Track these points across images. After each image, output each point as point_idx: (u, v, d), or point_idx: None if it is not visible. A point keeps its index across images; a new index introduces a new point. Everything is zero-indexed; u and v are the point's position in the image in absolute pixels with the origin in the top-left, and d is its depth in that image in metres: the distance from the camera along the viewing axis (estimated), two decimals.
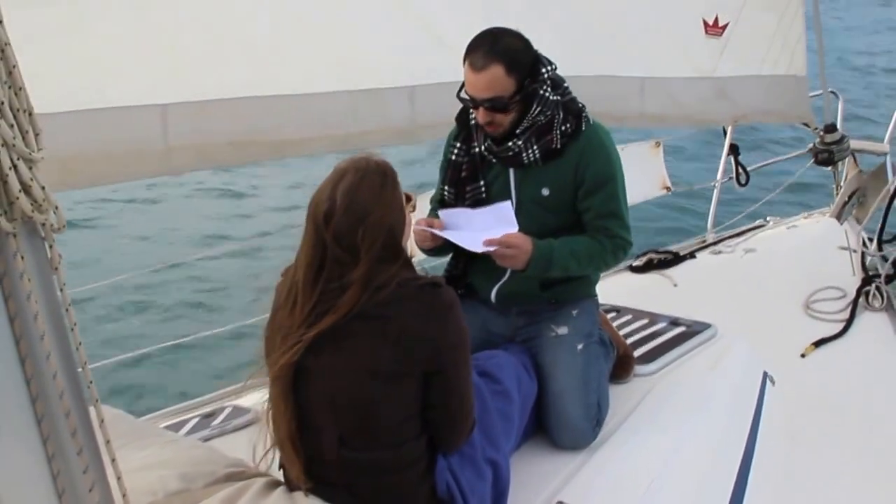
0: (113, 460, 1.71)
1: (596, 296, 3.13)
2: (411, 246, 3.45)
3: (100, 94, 3.20)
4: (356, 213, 2.04)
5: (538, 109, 2.72)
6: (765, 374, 3.44)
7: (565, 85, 2.84)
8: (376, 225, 2.05)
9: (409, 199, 2.23)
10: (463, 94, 2.76)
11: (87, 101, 3.14)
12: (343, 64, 3.82)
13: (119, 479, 1.75)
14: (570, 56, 3.23)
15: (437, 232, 2.76)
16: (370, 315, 2.02)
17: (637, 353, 3.37)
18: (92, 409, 1.47)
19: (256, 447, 2.16)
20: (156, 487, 2.10)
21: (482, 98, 2.69)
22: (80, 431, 1.42)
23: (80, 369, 1.39)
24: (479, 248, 2.68)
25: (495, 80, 2.65)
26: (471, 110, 2.84)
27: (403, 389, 2.08)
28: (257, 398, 2.98)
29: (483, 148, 2.86)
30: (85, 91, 3.16)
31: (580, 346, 2.86)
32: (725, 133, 5.89)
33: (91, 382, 1.63)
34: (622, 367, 3.18)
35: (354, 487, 2.11)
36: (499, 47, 2.65)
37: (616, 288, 4.52)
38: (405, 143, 4.25)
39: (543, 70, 2.73)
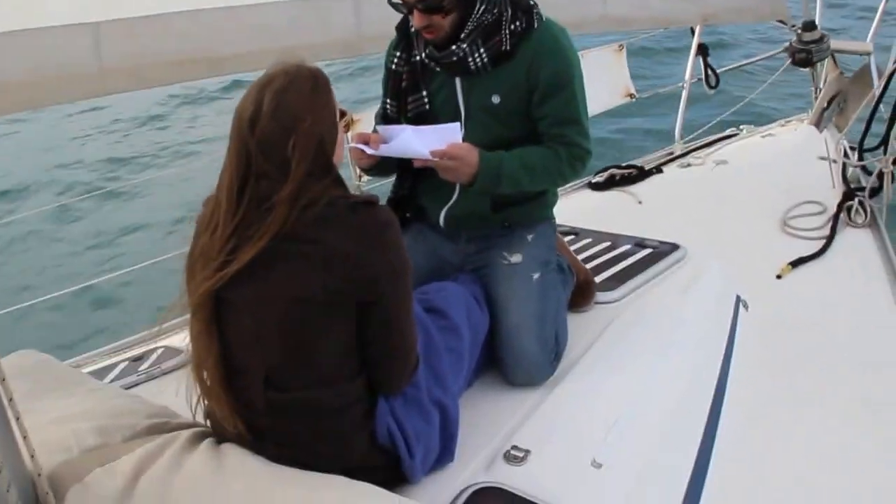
0: (17, 419, 1.67)
1: (553, 218, 3.10)
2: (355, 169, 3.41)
3: (26, 13, 3.14)
4: (285, 118, 1.98)
5: (482, 8, 2.65)
6: (738, 299, 3.45)
7: None
8: (308, 134, 1.99)
9: (342, 114, 2.16)
10: (396, 1, 2.68)
11: (13, 22, 3.09)
12: None
13: (25, 438, 1.71)
14: None
15: (370, 150, 2.67)
16: (297, 237, 1.97)
17: (599, 278, 3.36)
18: None
19: (184, 392, 2.13)
20: (70, 443, 2.05)
21: (415, 1, 2.61)
22: None
23: None
24: (419, 154, 2.60)
25: None
26: (409, 19, 2.76)
27: (336, 322, 2.03)
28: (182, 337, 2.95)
29: (424, 55, 2.79)
30: (12, 12, 3.10)
31: (536, 276, 2.83)
32: (693, 33, 5.85)
33: None
34: (582, 295, 3.17)
35: (285, 434, 2.08)
36: None
37: (575, 208, 4.50)
38: (349, 55, 4.20)
39: None
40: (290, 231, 1.96)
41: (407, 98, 2.86)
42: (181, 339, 3.15)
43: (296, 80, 2.02)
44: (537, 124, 2.80)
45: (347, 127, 2.21)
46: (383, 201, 2.98)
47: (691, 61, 5.88)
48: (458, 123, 2.68)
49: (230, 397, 2.06)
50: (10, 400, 1.53)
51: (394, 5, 2.70)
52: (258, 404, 2.06)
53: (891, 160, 4.54)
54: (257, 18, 3.73)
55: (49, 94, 3.31)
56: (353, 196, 2.07)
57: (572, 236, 3.93)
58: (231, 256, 1.98)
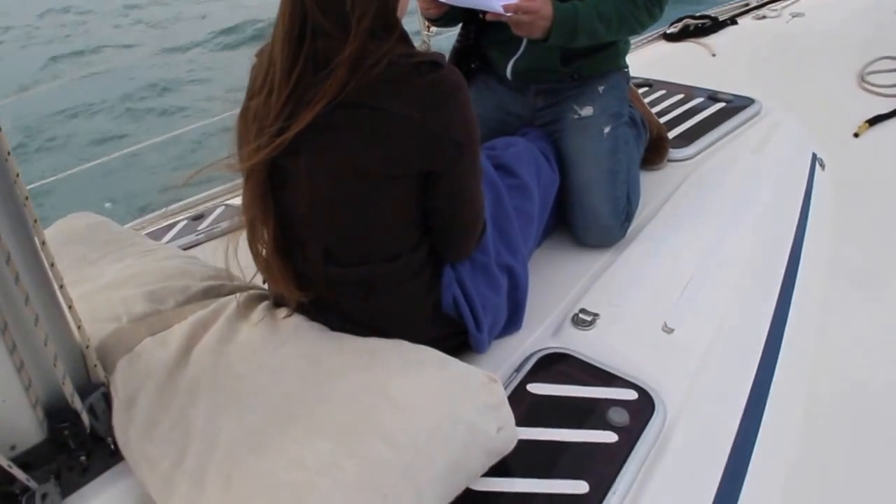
0: (61, 286, 1.57)
1: (626, 68, 2.88)
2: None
3: None
4: None
5: None
6: (814, 157, 3.28)
7: None
8: None
9: None
10: None
11: None
12: None
13: (70, 308, 1.62)
14: None
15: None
16: (356, 102, 1.75)
17: (672, 134, 3.21)
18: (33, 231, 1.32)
19: (231, 255, 1.95)
20: (119, 311, 1.93)
21: None
22: (17, 256, 1.28)
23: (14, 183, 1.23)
24: (493, 8, 2.40)
25: None
26: None
27: (397, 193, 1.84)
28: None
29: None
30: None
31: (607, 130, 2.65)
32: None
33: (27, 199, 1.47)
34: (655, 151, 3.02)
35: (346, 305, 1.94)
36: None
37: (648, 58, 4.33)
38: None
39: None
40: (349, 95, 1.74)
41: None
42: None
43: None
44: None
45: None
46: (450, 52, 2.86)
47: None
48: None
49: (286, 270, 1.92)
50: (52, 265, 1.42)
51: None
52: (317, 278, 1.92)
53: None
54: None
55: None
56: (417, 54, 1.82)
57: (646, 88, 3.78)
58: (287, 123, 1.78)
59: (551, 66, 2.69)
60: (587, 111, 2.68)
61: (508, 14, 2.39)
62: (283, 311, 1.96)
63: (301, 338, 1.87)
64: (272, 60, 1.81)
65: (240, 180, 1.99)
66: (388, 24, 1.82)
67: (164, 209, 3.33)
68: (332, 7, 1.75)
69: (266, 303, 2.00)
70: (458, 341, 2.10)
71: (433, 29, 2.68)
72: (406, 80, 1.76)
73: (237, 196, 3.11)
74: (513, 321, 2.24)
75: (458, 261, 2.04)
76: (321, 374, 1.76)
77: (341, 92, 1.74)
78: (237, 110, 1.92)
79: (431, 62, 1.79)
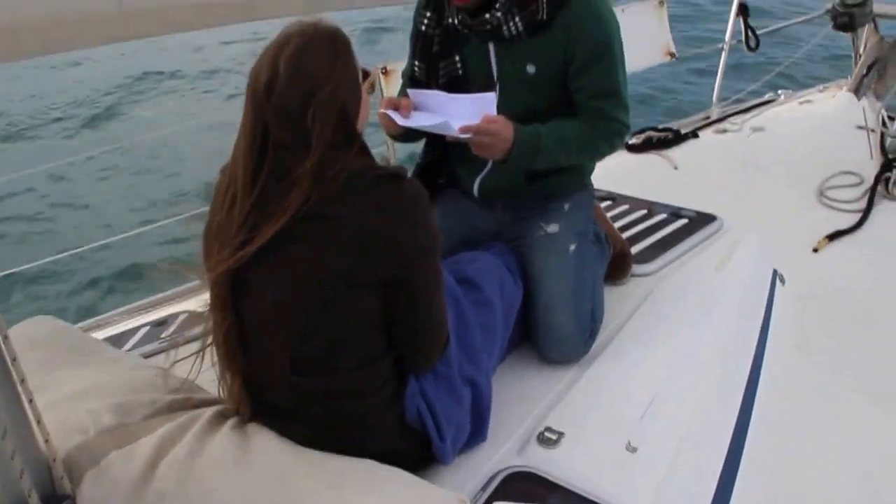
0: (30, 401, 1.59)
1: (591, 186, 2.98)
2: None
3: None
4: (303, 85, 1.82)
5: None
6: (775, 273, 3.36)
7: None
8: (328, 101, 1.83)
9: (366, 75, 2.00)
10: None
11: None
12: None
13: (39, 423, 1.63)
14: None
15: (400, 121, 2.54)
16: (319, 214, 1.82)
17: (635, 249, 3.28)
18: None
19: (197, 367, 2.01)
20: (86, 423, 1.94)
21: None
22: None
23: None
24: (451, 132, 2.46)
25: None
26: None
27: (361, 301, 1.88)
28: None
29: (457, 21, 2.64)
30: None
31: (572, 247, 2.72)
32: None
33: None
34: (619, 268, 3.08)
35: (311, 416, 1.96)
36: None
37: (611, 170, 4.41)
38: (393, 3, 4.07)
39: None
40: (312, 207, 1.81)
41: (439, 62, 2.73)
42: (206, 305, 3.07)
43: (313, 42, 1.86)
44: (573, 96, 2.66)
45: (372, 87, 2.07)
46: (414, 166, 2.92)
47: (731, 21, 5.73)
48: (493, 94, 2.52)
49: (249, 380, 1.97)
50: (23, 381, 1.44)
51: None
52: (283, 387, 1.95)
53: None
54: None
55: (67, 39, 3.21)
56: (379, 168, 1.91)
57: (609, 202, 3.86)
58: (250, 235, 1.84)
59: (517, 185, 2.78)
60: (553, 228, 2.75)
61: (466, 136, 2.45)
62: (251, 426, 1.98)
63: (270, 455, 1.89)
64: (234, 174, 1.88)
65: (199, 283, 2.03)
66: (348, 136, 1.89)
67: (123, 309, 3.34)
68: (292, 122, 1.83)
69: (235, 418, 2.02)
70: (424, 454, 2.13)
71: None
72: (368, 191, 1.85)
73: (198, 298, 3.13)
74: (477, 434, 2.27)
75: (423, 371, 2.08)
76: (290, 492, 1.78)
77: (304, 205, 1.81)
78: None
79: (393, 174, 1.88)
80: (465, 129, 2.44)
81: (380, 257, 1.85)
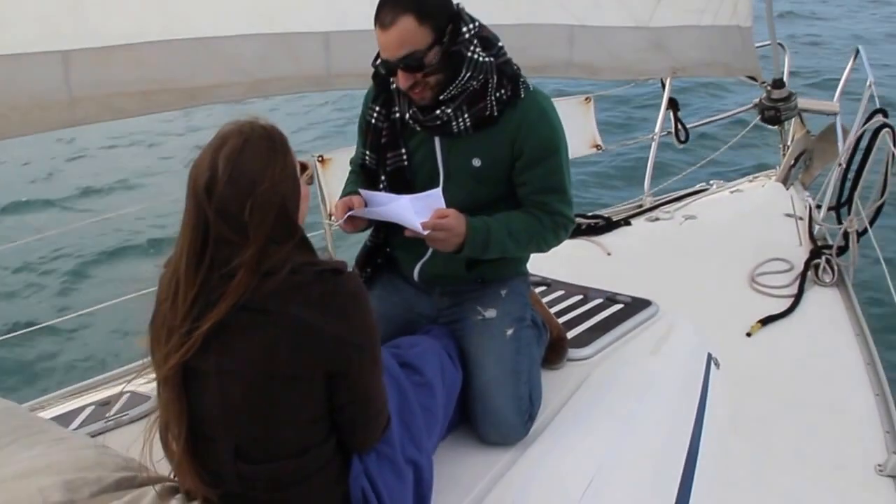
0: None
1: (527, 273, 3.09)
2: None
3: None
4: (242, 182, 1.91)
5: (468, 75, 2.61)
6: (709, 357, 3.43)
7: (500, 45, 2.72)
8: (267, 196, 1.92)
9: (304, 168, 2.10)
10: (379, 63, 2.65)
11: None
12: (254, 7, 3.80)
13: None
14: (490, 3, 3.18)
15: (358, 213, 2.67)
16: (259, 307, 1.90)
17: (571, 334, 3.34)
18: None
19: (145, 447, 2.05)
20: (36, 501, 1.98)
21: (396, 58, 2.56)
22: None
23: None
24: (411, 224, 2.57)
25: (406, 33, 2.52)
26: (391, 78, 2.73)
27: (304, 393, 1.97)
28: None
29: (408, 115, 2.76)
30: None
31: (510, 332, 2.81)
32: (664, 87, 5.89)
33: None
34: (555, 352, 3.14)
35: (256, 500, 2.03)
36: None
37: (544, 257, 4.49)
38: (319, 90, 4.21)
39: (465, 29, 2.60)
40: (252, 299, 1.90)
41: (386, 153, 2.83)
42: (150, 384, 3.09)
43: (251, 141, 1.95)
44: (518, 188, 2.79)
45: (311, 180, 2.15)
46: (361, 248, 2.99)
47: (661, 115, 5.92)
48: (439, 189, 2.65)
49: (197, 467, 2.01)
50: None
51: (379, 69, 2.66)
52: (228, 474, 2.01)
53: (855, 220, 4.60)
54: (230, 50, 3.75)
55: (19, 125, 3.26)
56: (319, 262, 2.01)
57: (544, 287, 3.94)
58: (196, 324, 1.91)
59: (456, 271, 2.87)
60: (490, 313, 2.84)
61: (425, 232, 2.56)
62: None
63: None
64: (177, 266, 1.96)
65: (140, 362, 2.08)
66: (288, 229, 1.99)
67: (66, 389, 3.38)
68: (232, 218, 1.92)
69: (179, 496, 2.07)
70: None
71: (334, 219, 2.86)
72: (308, 287, 1.94)
73: (139, 378, 3.16)
74: None
75: (364, 451, 2.15)
76: None
77: (245, 292, 1.90)
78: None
79: (333, 269, 1.99)
80: (424, 226, 2.55)
81: (320, 353, 1.94)
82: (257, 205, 1.91)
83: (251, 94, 3.83)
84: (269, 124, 2.02)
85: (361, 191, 2.76)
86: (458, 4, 2.63)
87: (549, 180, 2.76)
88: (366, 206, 2.71)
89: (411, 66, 2.57)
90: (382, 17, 2.53)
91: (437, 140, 2.77)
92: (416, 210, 2.59)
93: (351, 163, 3.07)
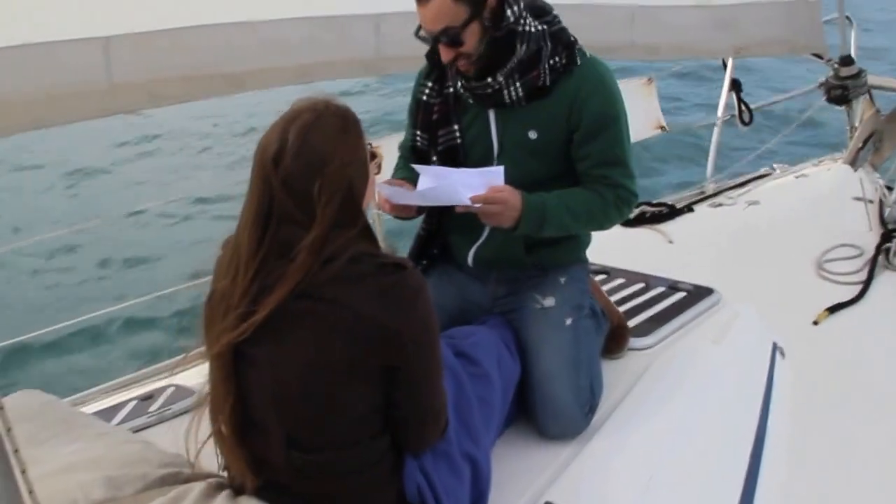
0: (23, 472, 1.62)
1: (586, 261, 3.05)
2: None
3: (32, 27, 3.09)
4: (312, 158, 1.90)
5: (524, 48, 2.60)
6: (774, 346, 3.39)
7: (553, 12, 2.71)
8: (335, 176, 1.91)
9: (373, 155, 2.09)
10: (422, 33, 2.64)
11: (17, 36, 3.03)
12: None
13: (31, 493, 1.65)
14: None
15: (404, 200, 2.64)
16: (318, 295, 1.88)
17: (632, 323, 3.32)
18: None
19: (190, 439, 2.04)
20: (77, 496, 1.98)
21: (434, 32, 2.56)
22: None
23: None
24: (461, 201, 2.53)
25: (441, 8, 2.51)
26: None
27: (359, 386, 1.95)
28: (203, 375, 2.91)
29: (460, 85, 2.75)
30: (16, 25, 3.05)
31: (569, 321, 2.77)
32: (725, 67, 5.83)
33: None
34: (616, 341, 3.12)
35: (307, 493, 2.01)
36: None
37: (605, 244, 4.45)
38: (370, 75, 4.21)
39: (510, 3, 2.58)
40: (310, 286, 1.88)
41: (438, 130, 2.82)
42: (194, 378, 3.09)
43: (323, 118, 1.95)
44: (577, 164, 2.74)
45: (379, 168, 2.14)
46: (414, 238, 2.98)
47: (724, 97, 5.85)
48: (501, 168, 2.59)
49: (245, 452, 2.00)
50: (16, 452, 1.48)
51: (422, 39, 2.65)
52: (278, 462, 1.99)
53: None
54: (273, 34, 3.73)
55: (57, 113, 3.27)
56: (381, 255, 1.99)
57: (604, 275, 3.92)
58: (253, 306, 1.90)
59: (514, 254, 2.84)
60: (549, 302, 2.81)
61: (477, 205, 2.52)
62: (243, 500, 2.01)
63: None
64: (238, 244, 1.95)
65: (183, 357, 2.08)
66: (353, 214, 1.97)
67: (111, 382, 3.40)
68: (299, 193, 1.90)
69: (226, 492, 2.05)
70: None
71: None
72: (369, 280, 1.91)
73: (184, 372, 3.17)
74: None
75: (418, 452, 2.12)
76: None
77: (304, 278, 1.87)
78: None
79: (395, 264, 1.96)
80: (475, 199, 2.51)
81: (378, 347, 1.91)
82: (325, 183, 1.90)
83: (297, 79, 3.81)
84: (343, 105, 2.02)
85: (414, 166, 2.74)
86: None
87: (609, 152, 2.71)
88: (416, 187, 2.67)
89: (450, 40, 2.57)
90: None
91: (491, 113, 2.75)
92: (472, 185, 2.55)
93: (399, 148, 3.06)
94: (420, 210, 2.85)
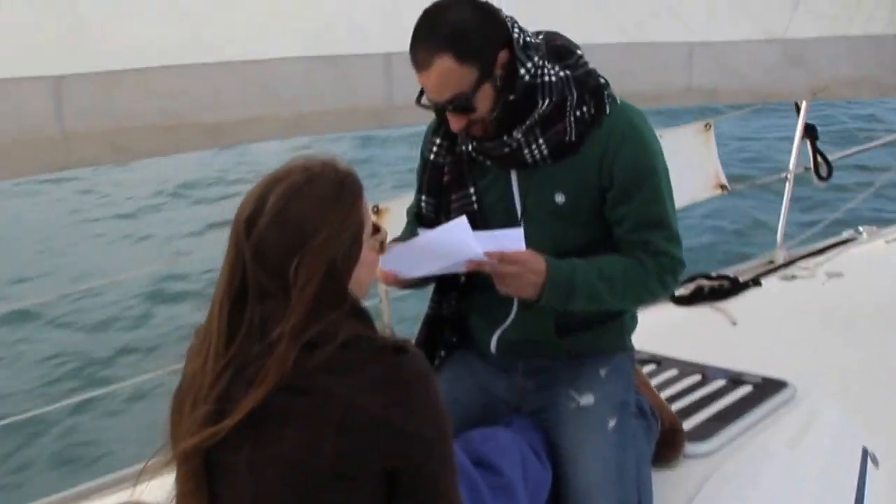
0: None
1: (632, 348, 3.05)
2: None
3: None
4: (290, 229, 1.92)
5: (546, 102, 2.62)
6: (864, 452, 3.38)
7: (578, 52, 2.75)
8: (317, 255, 1.92)
9: (376, 229, 2.12)
10: (425, 101, 2.67)
11: None
12: (295, 24, 3.77)
13: None
14: (588, 17, 3.17)
15: (406, 272, 2.67)
16: (303, 388, 1.88)
17: (687, 424, 3.30)
18: None
19: None
20: None
21: (440, 101, 2.60)
22: None
23: None
24: (468, 255, 2.53)
25: (445, 75, 2.54)
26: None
27: (354, 494, 1.93)
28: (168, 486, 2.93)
29: (470, 148, 2.79)
30: None
31: (612, 422, 2.77)
32: (798, 111, 5.86)
33: None
34: (669, 447, 3.11)
35: None
36: (440, 31, 2.54)
37: (654, 327, 4.43)
38: (377, 126, 4.19)
39: (517, 35, 2.60)
40: (294, 377, 1.88)
41: (451, 195, 2.85)
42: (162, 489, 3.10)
43: (315, 182, 1.97)
44: (614, 228, 2.77)
45: (382, 247, 2.15)
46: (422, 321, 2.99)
47: (796, 146, 5.87)
48: (520, 229, 2.63)
49: None
50: None
51: (426, 107, 2.68)
52: None
53: None
54: (265, 76, 3.74)
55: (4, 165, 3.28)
56: (377, 337, 1.99)
57: (653, 366, 3.91)
58: (223, 405, 1.90)
59: (545, 338, 2.85)
60: (587, 399, 2.81)
61: (490, 260, 2.52)
62: None
63: None
64: (210, 323, 1.97)
65: (151, 460, 2.09)
66: (337, 296, 1.98)
67: (61, 495, 3.41)
68: (270, 263, 1.93)
69: None
70: None
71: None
72: (364, 366, 1.91)
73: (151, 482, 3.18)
74: None
75: None
76: None
77: (285, 371, 1.87)
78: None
79: (394, 346, 1.96)
80: (489, 255, 2.52)
81: (375, 447, 1.90)
82: (303, 263, 1.91)
83: (290, 131, 3.81)
84: (346, 169, 2.04)
85: (420, 230, 2.78)
86: (502, 16, 2.62)
87: (648, 212, 2.73)
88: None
89: (460, 108, 2.60)
90: (417, 58, 2.58)
91: (513, 175, 2.78)
92: (486, 248, 2.53)
93: (407, 213, 3.10)
94: (427, 280, 2.87)
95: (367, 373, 1.90)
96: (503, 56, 2.58)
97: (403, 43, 3.49)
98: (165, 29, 3.49)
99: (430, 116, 2.87)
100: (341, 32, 3.90)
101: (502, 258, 2.53)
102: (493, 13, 2.60)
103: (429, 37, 2.55)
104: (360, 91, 4.00)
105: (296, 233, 1.92)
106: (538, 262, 2.58)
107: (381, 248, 2.16)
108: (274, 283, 1.92)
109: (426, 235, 2.66)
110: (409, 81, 3.70)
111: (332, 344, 1.89)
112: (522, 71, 2.59)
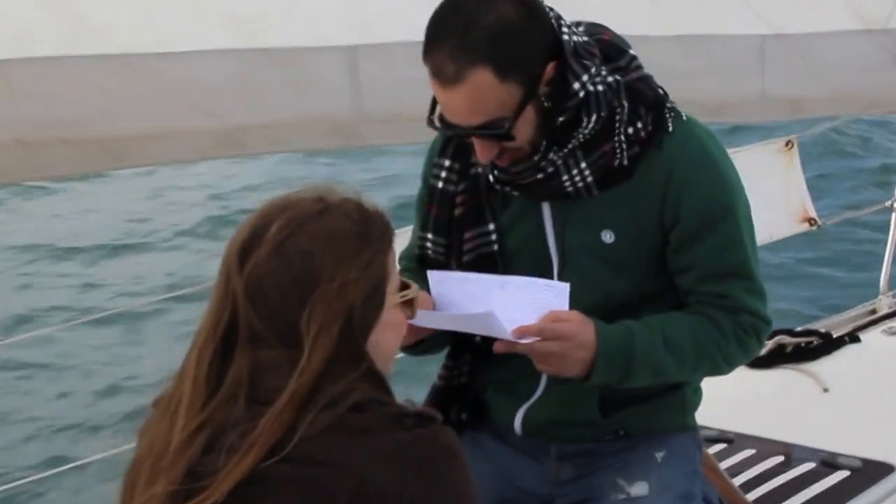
0: None
1: (696, 426, 3.00)
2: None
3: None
4: (294, 262, 1.87)
5: (592, 119, 2.53)
6: None
7: (630, 52, 2.67)
8: (331, 301, 1.86)
9: (404, 287, 2.08)
10: (436, 120, 2.55)
11: None
12: (228, 3, 3.52)
13: None
14: (626, 2, 3.11)
15: (418, 320, 2.42)
16: (302, 455, 1.80)
17: None
18: None
19: None
20: None
21: (469, 127, 2.48)
22: None
23: None
24: (500, 333, 2.46)
25: (481, 94, 2.40)
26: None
27: None
28: None
29: (492, 178, 2.68)
30: None
31: None
32: None
33: None
34: None
35: None
36: (477, 34, 2.38)
37: (723, 397, 4.44)
38: (343, 146, 4.02)
39: (567, 37, 2.48)
40: (296, 446, 1.80)
41: (464, 233, 2.76)
42: None
43: (330, 214, 1.92)
44: (678, 277, 2.71)
45: (411, 308, 2.08)
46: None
47: None
48: (566, 285, 2.52)
49: None
50: None
51: (439, 129, 2.58)
52: None
53: None
54: (183, 75, 3.44)
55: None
56: (396, 405, 1.93)
57: (723, 445, 3.89)
58: (194, 480, 1.82)
59: (584, 417, 2.79)
60: (640, 489, 2.77)
61: (525, 342, 2.45)
62: None
63: None
64: (182, 374, 1.91)
65: None
66: (354, 354, 1.91)
67: None
68: (269, 302, 1.87)
69: None
70: None
71: None
72: (381, 435, 1.84)
73: None
74: None
75: None
76: None
77: (279, 435, 1.80)
78: None
79: (418, 415, 1.89)
80: (523, 332, 2.44)
81: None
82: (317, 310, 1.85)
83: (220, 150, 3.65)
84: (374, 208, 1.99)
85: (431, 274, 2.68)
86: (550, 13, 2.51)
87: (724, 259, 2.66)
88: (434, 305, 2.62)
89: (496, 136, 2.48)
90: (439, 66, 2.41)
91: (545, 208, 2.69)
92: (519, 306, 2.48)
93: (401, 258, 2.95)
94: (440, 344, 2.82)
95: (383, 441, 1.84)
96: (551, 69, 2.47)
97: (373, 32, 3.34)
98: (34, 7, 3.23)
99: (419, 132, 2.80)
100: (289, 17, 3.61)
101: (542, 333, 2.45)
102: (540, 10, 2.48)
103: (460, 41, 2.38)
104: (316, 97, 3.72)
105: (302, 270, 1.87)
106: (588, 332, 2.50)
107: (412, 310, 2.10)
108: (270, 327, 1.87)
109: (450, 314, 2.60)
110: (382, 85, 3.58)
111: (344, 405, 1.83)
112: (577, 86, 2.48)
